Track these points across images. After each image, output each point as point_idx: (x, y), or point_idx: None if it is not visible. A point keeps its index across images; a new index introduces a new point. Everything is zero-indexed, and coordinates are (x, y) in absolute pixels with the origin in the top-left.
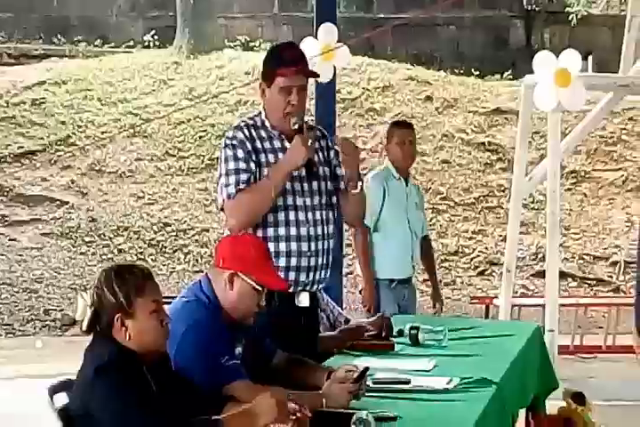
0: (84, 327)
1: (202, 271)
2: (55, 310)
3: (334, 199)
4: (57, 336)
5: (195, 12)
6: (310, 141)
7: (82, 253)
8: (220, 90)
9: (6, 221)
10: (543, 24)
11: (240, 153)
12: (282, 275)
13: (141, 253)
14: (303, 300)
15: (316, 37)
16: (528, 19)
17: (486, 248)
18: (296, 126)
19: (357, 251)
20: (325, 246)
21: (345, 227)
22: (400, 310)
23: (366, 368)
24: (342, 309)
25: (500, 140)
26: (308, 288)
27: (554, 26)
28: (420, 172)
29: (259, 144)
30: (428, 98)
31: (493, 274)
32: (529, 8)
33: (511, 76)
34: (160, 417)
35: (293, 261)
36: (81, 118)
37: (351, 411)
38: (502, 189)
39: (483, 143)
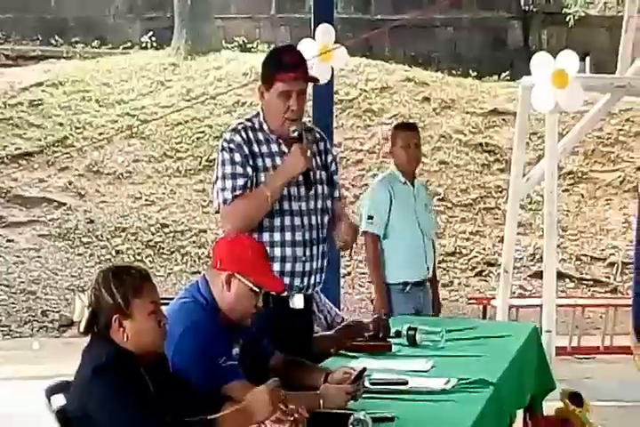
0: (82, 328)
1: (199, 272)
2: (53, 311)
3: (329, 203)
4: (54, 338)
5: (192, 13)
6: (309, 152)
7: (79, 255)
8: (217, 91)
9: (4, 222)
10: (541, 25)
11: (237, 157)
12: None
13: (139, 254)
14: (297, 302)
15: (314, 38)
16: (525, 20)
17: (484, 249)
18: (295, 134)
19: (368, 259)
20: (320, 251)
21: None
22: (417, 313)
23: (364, 369)
24: (340, 310)
25: (497, 141)
26: (302, 292)
27: (551, 27)
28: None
29: (256, 148)
30: (426, 99)
31: (491, 275)
32: (526, 9)
33: (509, 77)
34: (157, 418)
35: (288, 267)
36: (78, 120)
37: (349, 411)
38: (500, 189)
39: (480, 144)
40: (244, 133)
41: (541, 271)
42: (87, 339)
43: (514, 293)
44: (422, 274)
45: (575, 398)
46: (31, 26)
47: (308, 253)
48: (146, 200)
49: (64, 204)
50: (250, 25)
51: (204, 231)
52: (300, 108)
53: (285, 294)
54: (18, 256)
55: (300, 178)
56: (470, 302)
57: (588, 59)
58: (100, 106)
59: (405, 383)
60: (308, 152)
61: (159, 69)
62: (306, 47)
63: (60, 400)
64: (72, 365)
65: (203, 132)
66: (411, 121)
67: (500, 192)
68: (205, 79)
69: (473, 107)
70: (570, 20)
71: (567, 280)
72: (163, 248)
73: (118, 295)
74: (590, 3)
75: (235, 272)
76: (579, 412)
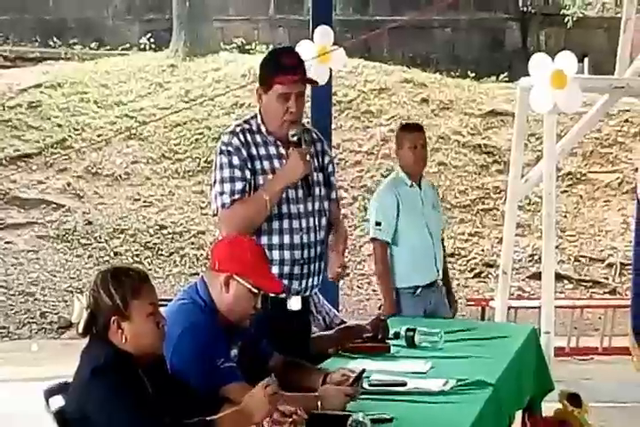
0: (81, 330)
1: (198, 274)
2: (51, 312)
3: (326, 205)
4: (53, 339)
5: (191, 14)
6: (308, 157)
7: (78, 256)
8: (215, 92)
9: (2, 223)
10: (539, 26)
11: (235, 160)
12: None
13: (137, 255)
14: (294, 304)
15: (312, 40)
16: (524, 21)
17: (482, 250)
18: (294, 138)
19: (376, 266)
20: (318, 253)
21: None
22: (428, 315)
23: (363, 371)
24: (338, 311)
25: (495, 143)
26: (300, 294)
27: (550, 28)
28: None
29: (254, 150)
30: (424, 100)
31: (489, 276)
32: (525, 10)
33: (507, 79)
34: (156, 419)
35: (286, 269)
36: (77, 121)
37: (347, 413)
38: (498, 191)
39: (479, 145)
40: (242, 136)
41: (540, 272)
42: (86, 340)
43: (512, 294)
44: (432, 276)
45: (574, 399)
46: (29, 27)
47: (306, 255)
48: (144, 202)
49: (62, 205)
50: (248, 26)
51: (203, 233)
52: (298, 110)
53: (283, 295)
54: (16, 258)
55: (299, 181)
56: (469, 303)
57: (586, 60)
58: (98, 107)
59: (404, 385)
60: (307, 156)
61: (158, 71)
62: (304, 49)
63: (58, 402)
64: (71, 366)
65: (201, 133)
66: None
67: (499, 193)
68: (204, 81)
69: (471, 108)
70: (568, 21)
71: (566, 281)
72: (161, 250)
73: (117, 297)
74: (588, 4)
75: (233, 274)
76: (577, 413)
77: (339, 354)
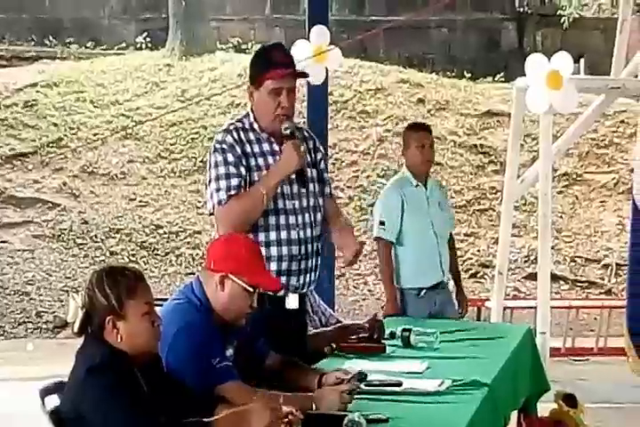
0: (76, 329)
1: (194, 273)
2: (47, 312)
3: (321, 201)
4: (49, 339)
5: (187, 14)
6: (302, 148)
7: (74, 256)
8: (212, 92)
9: None
10: (535, 27)
11: (230, 157)
12: None
13: (133, 255)
14: (292, 302)
15: (309, 40)
16: (520, 21)
17: (478, 251)
18: (287, 131)
19: (380, 266)
20: (315, 249)
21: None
22: (433, 317)
23: (359, 373)
24: (334, 311)
25: (492, 143)
26: (298, 291)
27: (546, 28)
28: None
29: (248, 148)
30: (420, 100)
31: (485, 276)
32: (521, 11)
33: (503, 79)
34: (151, 419)
35: (284, 266)
36: (73, 120)
37: (343, 413)
38: (494, 191)
39: (475, 146)
40: (235, 134)
41: (536, 273)
42: (81, 340)
43: (508, 294)
44: (437, 278)
45: (569, 399)
46: (26, 26)
47: (303, 251)
48: (140, 201)
49: (58, 205)
50: (244, 26)
51: (199, 232)
52: (290, 105)
53: (282, 293)
54: (12, 257)
55: (293, 176)
56: None
57: (582, 60)
58: (94, 107)
59: (400, 385)
60: (302, 148)
61: (154, 70)
62: (300, 48)
63: (54, 401)
64: (67, 366)
65: (197, 133)
66: (405, 123)
67: (495, 194)
68: (200, 80)
69: (467, 108)
70: (564, 21)
71: (561, 282)
72: (157, 249)
73: (112, 296)
74: (585, 5)
75: (228, 273)
76: (573, 413)
77: (335, 354)
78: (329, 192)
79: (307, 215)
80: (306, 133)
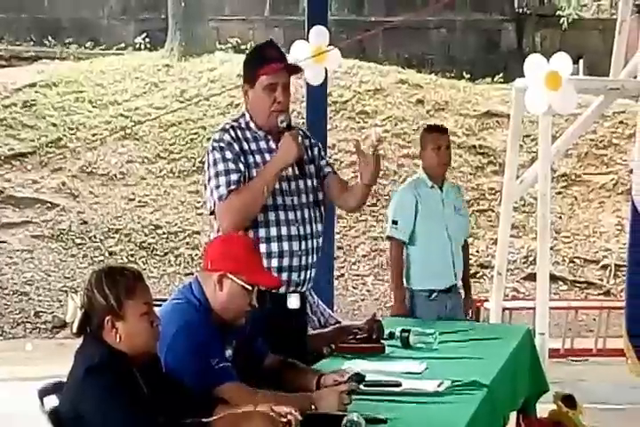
0: (75, 329)
1: (193, 274)
2: (46, 312)
3: (320, 196)
4: (47, 339)
5: (186, 14)
6: (300, 139)
7: (72, 256)
8: (211, 92)
9: None
10: (534, 27)
11: (228, 154)
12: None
13: (132, 255)
14: (294, 302)
15: (308, 40)
16: (519, 22)
17: (477, 251)
18: (284, 124)
19: (390, 265)
20: (315, 245)
21: (336, 229)
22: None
23: (358, 374)
24: (333, 311)
25: (491, 144)
26: (299, 288)
27: (545, 29)
28: (411, 175)
29: (245, 145)
30: (420, 101)
31: (484, 277)
32: (520, 11)
33: (502, 80)
34: (150, 419)
35: (285, 261)
36: (72, 120)
37: (342, 413)
38: (493, 192)
39: (474, 146)
40: (232, 132)
41: (535, 274)
42: (80, 340)
43: (507, 295)
44: (449, 281)
45: (568, 400)
46: (25, 26)
47: (303, 246)
48: (139, 201)
49: (57, 205)
50: (244, 26)
51: (198, 233)
52: (286, 101)
53: (283, 291)
54: (10, 257)
55: (290, 173)
56: None
57: (581, 61)
58: (93, 107)
59: (398, 385)
60: (300, 138)
61: (153, 71)
62: (299, 49)
63: (53, 401)
64: (65, 366)
65: (196, 133)
66: (404, 123)
67: (494, 194)
68: (199, 80)
69: (466, 109)
70: (563, 22)
71: (560, 283)
72: (156, 249)
73: (111, 296)
74: (584, 5)
75: (226, 272)
76: (572, 414)
77: (333, 354)
78: (331, 170)
79: (306, 211)
80: (300, 132)
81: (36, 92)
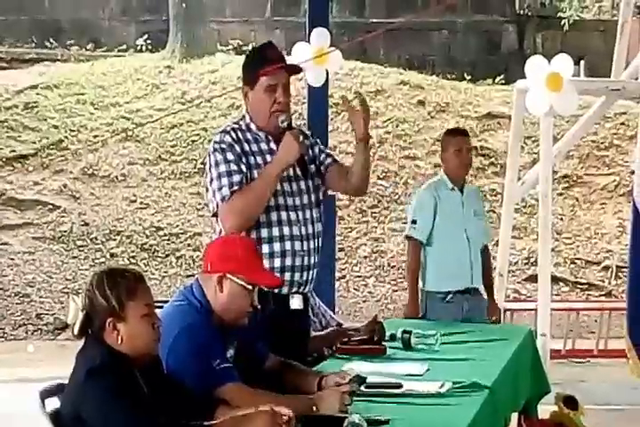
0: (76, 331)
1: (194, 275)
2: (47, 314)
3: (321, 196)
4: (49, 340)
5: (187, 16)
6: (301, 138)
7: (74, 258)
8: (212, 94)
9: None
10: (535, 29)
11: (230, 155)
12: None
13: (134, 257)
14: (296, 303)
15: (309, 42)
16: (520, 23)
17: None
18: (284, 124)
19: (407, 265)
20: (316, 245)
21: (338, 231)
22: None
23: (359, 376)
24: (334, 313)
25: (492, 145)
26: (301, 289)
27: (546, 31)
28: (412, 176)
29: (246, 147)
30: (421, 102)
31: None
32: (521, 13)
33: (503, 81)
34: (151, 420)
35: (288, 261)
36: (73, 122)
37: (343, 415)
38: (495, 193)
39: (475, 148)
40: (233, 134)
41: (536, 275)
42: (81, 342)
43: (508, 296)
44: (465, 283)
45: (570, 401)
46: (26, 28)
47: (305, 247)
48: (141, 203)
49: (59, 207)
50: (245, 28)
51: (199, 234)
52: (286, 101)
53: (286, 292)
54: (12, 259)
55: (292, 173)
56: None
57: (582, 62)
58: (94, 109)
59: (400, 387)
60: (301, 137)
61: (154, 72)
62: (301, 50)
63: (54, 403)
64: (67, 368)
65: (198, 135)
66: (405, 125)
67: (495, 196)
68: (200, 82)
69: (468, 110)
70: (564, 23)
71: (562, 284)
72: (157, 251)
73: (112, 298)
74: (585, 7)
75: (226, 273)
76: (573, 415)
77: (335, 356)
78: (332, 160)
79: (307, 211)
80: (301, 132)
81: (38, 93)
